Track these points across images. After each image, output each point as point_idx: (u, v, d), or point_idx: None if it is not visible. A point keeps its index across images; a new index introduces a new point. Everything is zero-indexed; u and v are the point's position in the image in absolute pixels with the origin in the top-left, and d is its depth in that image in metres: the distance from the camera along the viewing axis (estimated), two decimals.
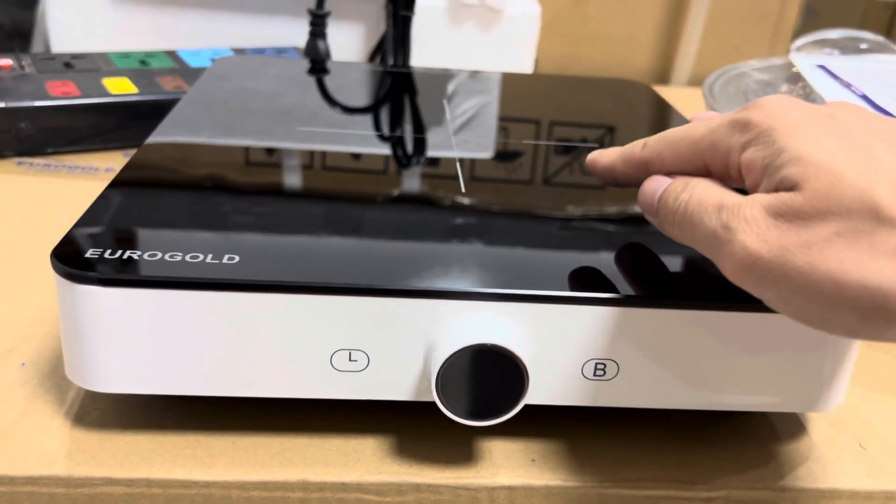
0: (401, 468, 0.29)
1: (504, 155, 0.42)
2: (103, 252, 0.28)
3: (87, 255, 0.27)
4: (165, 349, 0.28)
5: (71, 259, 0.27)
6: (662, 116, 0.52)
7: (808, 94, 0.52)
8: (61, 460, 0.29)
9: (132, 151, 0.55)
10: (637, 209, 0.30)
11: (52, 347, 0.34)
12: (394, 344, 0.28)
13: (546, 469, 0.30)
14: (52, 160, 0.53)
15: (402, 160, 0.40)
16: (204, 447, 0.30)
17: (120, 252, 0.28)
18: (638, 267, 0.30)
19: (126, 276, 0.27)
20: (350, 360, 0.28)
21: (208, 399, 0.31)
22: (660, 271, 0.30)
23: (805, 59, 0.53)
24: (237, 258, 0.28)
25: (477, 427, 0.28)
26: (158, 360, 0.28)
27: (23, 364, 0.33)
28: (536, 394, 0.29)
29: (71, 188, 0.49)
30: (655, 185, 0.28)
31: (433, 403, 0.29)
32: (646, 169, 0.29)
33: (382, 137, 0.43)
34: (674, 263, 0.31)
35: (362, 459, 0.30)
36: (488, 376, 0.27)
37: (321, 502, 0.29)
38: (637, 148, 0.30)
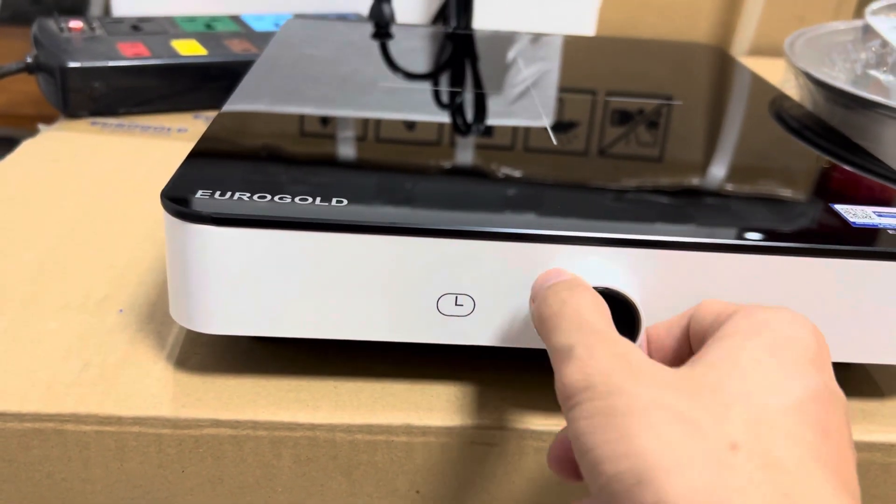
0: (503, 415, 0.29)
1: (569, 121, 0.41)
2: (213, 193, 0.28)
3: (198, 195, 0.28)
4: (272, 291, 0.28)
5: (181, 199, 0.27)
6: (745, 83, 0.51)
7: (883, 55, 0.51)
8: (167, 402, 0.29)
9: (202, 113, 0.55)
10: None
11: (145, 295, 0.34)
12: (501, 289, 0.28)
13: None
14: (125, 120, 0.53)
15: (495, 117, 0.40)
16: (307, 391, 0.30)
17: (230, 193, 0.28)
18: (750, 214, 0.30)
19: (238, 215, 0.27)
20: (456, 304, 0.28)
21: (306, 346, 0.31)
22: (769, 220, 0.30)
23: (884, 21, 0.52)
24: (345, 201, 0.28)
25: None
26: (264, 301, 0.28)
27: (121, 311, 0.33)
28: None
29: (145, 147, 0.50)
30: (550, 278, 0.26)
31: (532, 351, 0.29)
32: None
33: (479, 92, 0.42)
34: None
35: (465, 406, 0.30)
36: None
37: (425, 446, 0.29)
38: None
